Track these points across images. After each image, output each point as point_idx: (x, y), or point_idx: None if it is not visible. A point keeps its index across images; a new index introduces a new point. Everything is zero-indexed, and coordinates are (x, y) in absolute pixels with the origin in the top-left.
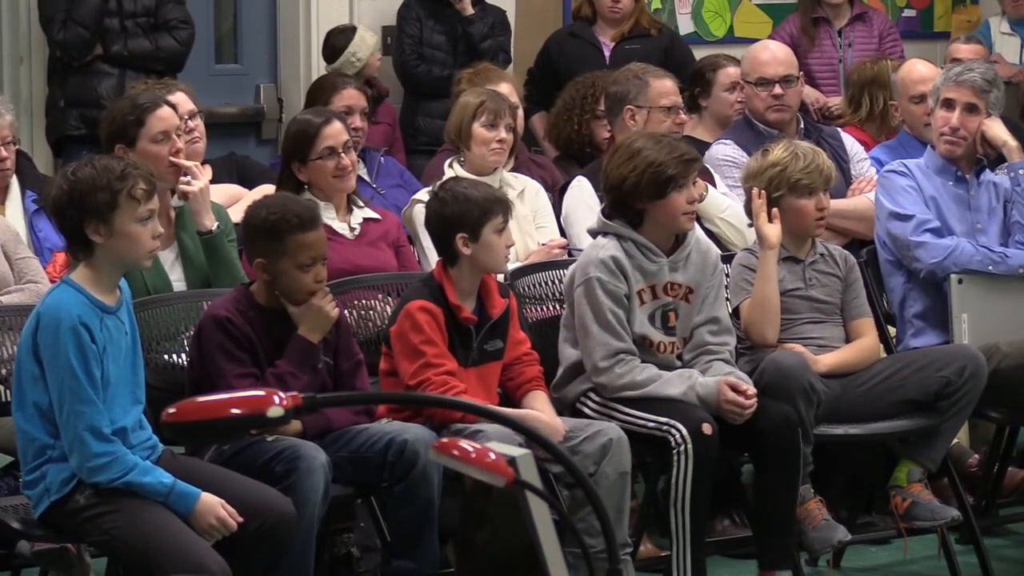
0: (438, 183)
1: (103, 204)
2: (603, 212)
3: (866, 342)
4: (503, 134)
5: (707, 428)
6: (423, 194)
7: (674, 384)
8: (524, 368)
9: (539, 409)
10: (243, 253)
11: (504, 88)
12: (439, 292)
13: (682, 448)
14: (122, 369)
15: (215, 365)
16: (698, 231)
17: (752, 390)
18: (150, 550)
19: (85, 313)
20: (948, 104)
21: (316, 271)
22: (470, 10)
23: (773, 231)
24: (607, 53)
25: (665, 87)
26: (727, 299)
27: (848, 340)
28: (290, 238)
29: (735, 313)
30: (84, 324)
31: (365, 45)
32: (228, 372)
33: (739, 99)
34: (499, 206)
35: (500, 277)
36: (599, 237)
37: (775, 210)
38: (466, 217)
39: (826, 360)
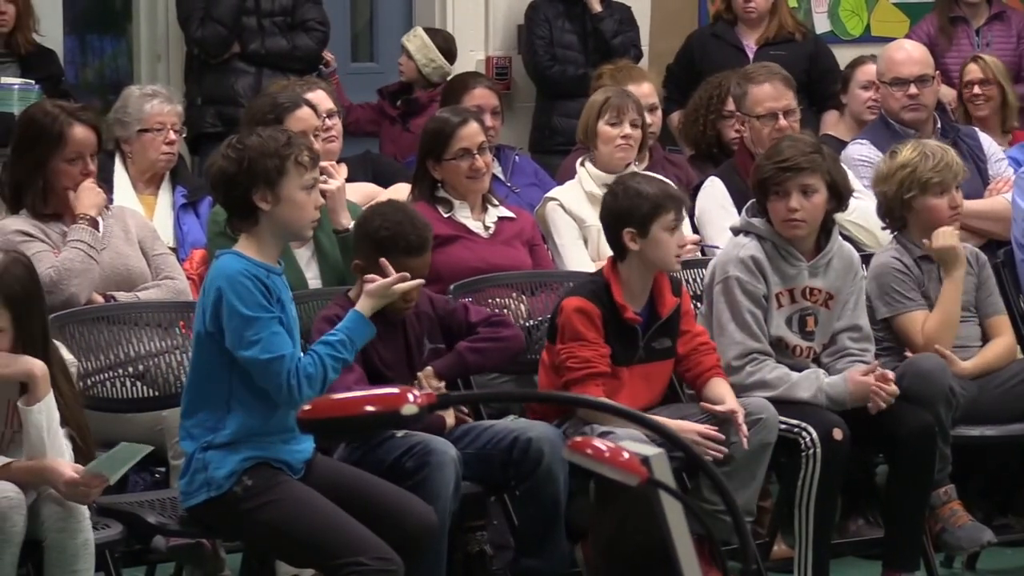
0: (615, 178)
1: (272, 170)
2: (747, 210)
3: (1006, 341)
4: (627, 130)
5: (837, 433)
6: (556, 192)
7: (802, 387)
8: (702, 358)
9: (720, 394)
10: None
11: (645, 88)
12: (603, 290)
13: (811, 451)
14: (291, 326)
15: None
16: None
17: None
18: (317, 539)
19: (249, 269)
20: None
21: (408, 293)
22: (598, 7)
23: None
24: (751, 55)
25: (762, 93)
26: (869, 306)
27: (985, 338)
28: (394, 261)
29: (886, 324)
30: (249, 274)
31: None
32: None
33: (873, 97)
34: (672, 203)
35: None
36: (740, 236)
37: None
38: (635, 212)
39: (971, 365)
